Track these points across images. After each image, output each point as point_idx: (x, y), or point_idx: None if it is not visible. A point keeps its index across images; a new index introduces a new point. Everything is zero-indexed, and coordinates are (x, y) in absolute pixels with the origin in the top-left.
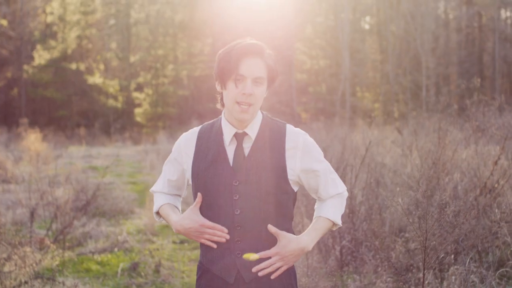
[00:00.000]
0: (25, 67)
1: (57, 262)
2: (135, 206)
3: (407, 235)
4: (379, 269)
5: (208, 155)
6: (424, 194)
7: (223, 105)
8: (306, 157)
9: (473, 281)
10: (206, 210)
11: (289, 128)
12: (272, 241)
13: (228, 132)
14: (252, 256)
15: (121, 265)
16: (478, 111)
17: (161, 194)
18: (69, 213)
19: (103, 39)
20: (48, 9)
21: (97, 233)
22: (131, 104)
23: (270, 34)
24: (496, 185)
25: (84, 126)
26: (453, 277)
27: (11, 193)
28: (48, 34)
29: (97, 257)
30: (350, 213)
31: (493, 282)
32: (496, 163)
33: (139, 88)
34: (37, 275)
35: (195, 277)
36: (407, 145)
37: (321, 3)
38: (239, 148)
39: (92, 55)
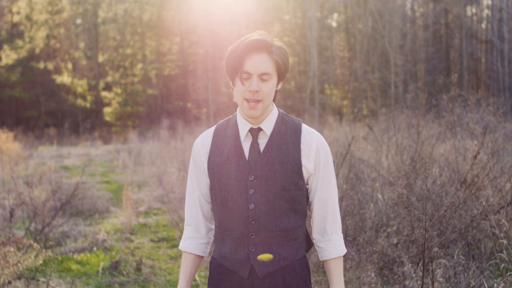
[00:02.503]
0: None
1: (40, 262)
2: (110, 205)
3: (389, 229)
4: (364, 263)
5: (224, 151)
6: (410, 187)
7: None
8: (319, 161)
9: (459, 274)
10: (220, 205)
11: (305, 126)
12: (285, 236)
13: (243, 127)
14: (266, 257)
15: (102, 264)
16: (454, 106)
17: (190, 243)
18: (47, 213)
19: (71, 39)
20: (14, 9)
21: (75, 233)
22: (100, 104)
23: (237, 33)
24: (476, 179)
25: (53, 126)
26: (438, 270)
27: None
28: (15, 33)
29: (77, 256)
30: None
31: (481, 275)
32: (475, 157)
33: (108, 87)
34: (20, 275)
35: (176, 275)
36: (383, 141)
37: (288, 1)
38: (254, 144)
39: (60, 54)
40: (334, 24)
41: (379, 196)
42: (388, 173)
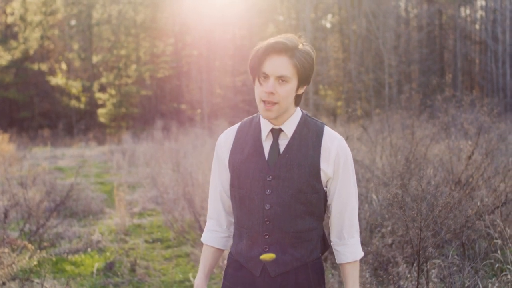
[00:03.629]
0: None
1: (35, 263)
2: (105, 206)
3: (383, 230)
4: (359, 263)
5: (245, 149)
6: (405, 188)
7: None
8: (338, 165)
9: (454, 274)
10: (238, 203)
11: (327, 129)
12: (299, 237)
13: (265, 127)
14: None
15: (96, 265)
16: (448, 107)
17: (211, 236)
18: (41, 214)
19: (65, 40)
20: (8, 10)
21: (70, 234)
22: (94, 105)
23: (232, 34)
24: (470, 180)
25: (47, 127)
26: (433, 270)
27: None
28: (9, 34)
29: (71, 257)
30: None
31: (476, 275)
32: (470, 157)
33: (102, 88)
34: (14, 276)
35: (171, 276)
36: (377, 142)
37: (282, 2)
38: (274, 144)
39: (54, 55)
40: (328, 25)
41: (374, 196)
42: (382, 173)
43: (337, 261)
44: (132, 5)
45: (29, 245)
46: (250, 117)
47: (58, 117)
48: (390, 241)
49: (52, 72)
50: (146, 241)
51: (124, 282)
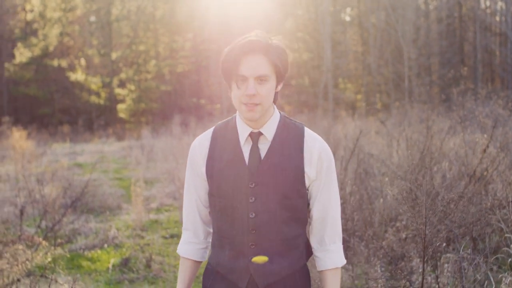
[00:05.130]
0: (6, 65)
1: (49, 259)
2: (122, 202)
3: (398, 224)
4: (372, 258)
5: (223, 155)
6: (419, 183)
7: None
8: (320, 168)
9: (465, 268)
10: (219, 212)
11: (307, 130)
12: (286, 245)
13: (243, 131)
14: (261, 259)
15: (112, 260)
16: (464, 100)
17: (188, 248)
18: (57, 210)
19: (85, 36)
20: (28, 7)
21: (86, 230)
22: (113, 100)
23: (250, 29)
24: (485, 173)
25: (67, 123)
26: (446, 265)
27: None
28: (28, 31)
29: (88, 253)
30: (342, 203)
31: (487, 269)
32: (484, 151)
33: (122, 84)
34: (29, 273)
35: None
36: (393, 135)
37: None
38: (254, 149)
39: (74, 52)
40: (347, 19)
41: (389, 191)
42: (398, 167)
43: (318, 268)
44: (151, 1)
45: (43, 242)
46: (225, 120)
47: (78, 113)
48: (404, 236)
49: (72, 68)
50: (162, 237)
51: (139, 277)
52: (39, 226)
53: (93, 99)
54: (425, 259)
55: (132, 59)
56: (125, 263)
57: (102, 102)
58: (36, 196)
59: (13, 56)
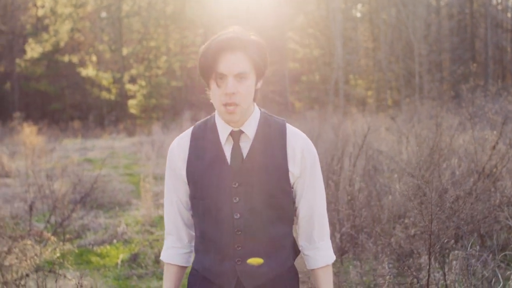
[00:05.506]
0: (18, 60)
1: (58, 255)
2: (132, 198)
3: (406, 221)
4: (380, 255)
5: (204, 156)
6: (424, 180)
7: None
8: (305, 164)
9: (473, 265)
10: (202, 215)
11: (289, 127)
12: (273, 246)
13: (223, 130)
14: (256, 261)
15: (121, 256)
16: (474, 96)
17: (173, 253)
18: (67, 206)
19: (95, 32)
20: (39, 2)
21: (96, 225)
22: (124, 96)
23: (262, 24)
24: (494, 170)
25: (78, 119)
26: (454, 262)
27: (8, 187)
28: (39, 27)
29: (97, 249)
30: (350, 200)
31: (495, 266)
32: (494, 147)
33: (132, 80)
34: (38, 268)
35: None
36: (402, 132)
37: None
38: (236, 147)
39: (85, 47)
40: (358, 15)
41: (397, 187)
42: (407, 164)
43: (308, 267)
44: None
45: (52, 237)
46: (203, 120)
47: (89, 109)
48: (412, 232)
49: (83, 64)
50: None
51: (148, 273)
52: (48, 222)
53: (104, 94)
54: (432, 256)
55: (143, 55)
56: (134, 259)
57: (113, 97)
58: (46, 192)
59: (24, 51)
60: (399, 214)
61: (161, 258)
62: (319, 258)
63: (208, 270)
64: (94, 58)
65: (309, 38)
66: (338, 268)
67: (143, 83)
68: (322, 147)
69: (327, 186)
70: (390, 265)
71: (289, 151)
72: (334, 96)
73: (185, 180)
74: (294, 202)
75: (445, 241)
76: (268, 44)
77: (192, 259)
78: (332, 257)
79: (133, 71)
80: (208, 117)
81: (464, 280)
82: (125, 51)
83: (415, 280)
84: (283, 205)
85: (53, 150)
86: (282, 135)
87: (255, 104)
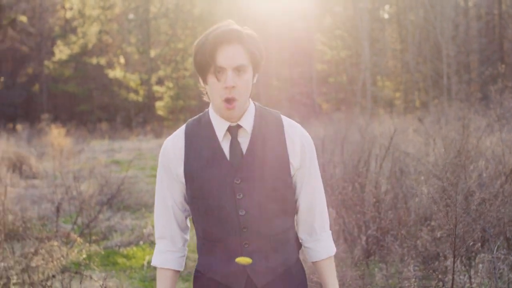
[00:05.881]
0: (46, 62)
1: (83, 256)
2: None
3: (433, 223)
4: (406, 257)
5: (202, 154)
6: (450, 182)
7: (209, 96)
8: (304, 155)
9: (500, 269)
10: (204, 215)
11: (285, 118)
12: (279, 240)
13: (219, 126)
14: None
15: (147, 257)
16: (502, 98)
17: (167, 258)
18: (94, 207)
19: (123, 34)
20: (67, 5)
21: (122, 227)
22: (152, 98)
23: (290, 26)
24: None
25: (106, 120)
26: (481, 265)
27: (36, 188)
28: (68, 29)
29: (123, 250)
30: (376, 202)
31: None
32: None
33: (160, 81)
34: (64, 269)
35: None
36: (429, 134)
37: None
38: (234, 143)
39: (112, 49)
40: (386, 16)
41: (424, 189)
42: (434, 166)
43: (310, 259)
44: None
45: (78, 239)
46: (196, 117)
47: (117, 110)
48: (438, 235)
49: (111, 66)
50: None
51: None
52: (75, 223)
53: (132, 96)
54: (457, 259)
55: (170, 57)
56: None
57: (140, 99)
58: (73, 193)
59: (52, 53)
60: (425, 217)
61: (153, 263)
62: (321, 250)
63: (215, 271)
64: (122, 60)
65: (336, 40)
66: (363, 270)
67: (171, 84)
68: (348, 149)
69: (352, 188)
70: (416, 268)
71: (288, 142)
72: (362, 97)
73: (182, 180)
74: (294, 194)
75: (471, 244)
76: (295, 46)
77: (184, 263)
78: (334, 248)
79: (161, 73)
80: (201, 114)
81: (490, 283)
82: (152, 53)
83: (440, 283)
84: (285, 197)
85: (81, 151)
86: (279, 127)
87: (249, 98)
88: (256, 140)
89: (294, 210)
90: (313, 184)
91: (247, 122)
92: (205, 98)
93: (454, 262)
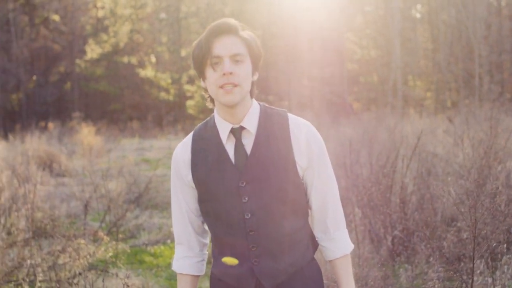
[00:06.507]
0: (78, 61)
1: (110, 254)
2: None
3: (459, 224)
4: (431, 258)
5: (207, 158)
6: (475, 183)
7: (212, 101)
8: (311, 154)
9: None
10: (213, 219)
11: (292, 117)
12: (288, 241)
13: (223, 128)
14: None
15: (174, 256)
16: None
17: (185, 263)
18: (121, 205)
19: (154, 33)
20: (99, 4)
21: (150, 225)
22: (182, 97)
23: (320, 25)
24: None
25: (137, 119)
26: (506, 266)
27: (65, 186)
28: (99, 28)
29: (150, 248)
30: (401, 203)
31: None
32: None
33: (191, 80)
34: (91, 267)
35: None
36: (458, 134)
37: None
38: (239, 145)
39: (143, 48)
40: (417, 15)
41: (451, 190)
42: (461, 167)
43: (326, 258)
44: None
45: (105, 237)
46: (204, 121)
47: (148, 109)
48: (465, 236)
49: (142, 65)
50: None
51: None
52: (102, 221)
53: (163, 95)
54: (476, 260)
55: None
56: None
57: (171, 98)
58: (101, 191)
59: (84, 52)
60: (452, 218)
61: (173, 268)
62: (336, 249)
63: (226, 273)
64: (153, 59)
65: (366, 39)
66: (385, 271)
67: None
68: (376, 149)
69: (378, 188)
70: (441, 269)
71: (294, 142)
72: (393, 97)
73: (192, 185)
74: (306, 194)
75: (495, 245)
76: (326, 45)
77: (204, 267)
78: (350, 246)
79: (192, 72)
80: (208, 118)
81: None
82: (183, 52)
83: (464, 284)
84: (294, 198)
85: (111, 150)
86: (285, 126)
87: (253, 98)
88: (260, 141)
89: (306, 210)
90: (324, 183)
91: (251, 123)
92: (207, 104)
93: (473, 263)
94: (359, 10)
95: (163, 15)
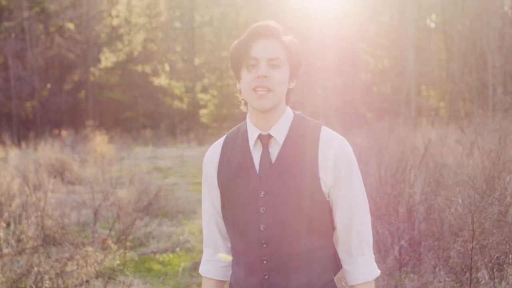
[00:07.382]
0: (92, 69)
1: (118, 262)
2: (197, 207)
3: (466, 234)
4: (437, 269)
5: (233, 163)
6: (481, 193)
7: (246, 105)
8: (338, 172)
9: None
10: (231, 225)
11: (325, 130)
12: (304, 259)
13: (252, 134)
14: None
15: (182, 264)
16: None
17: (210, 267)
18: (131, 213)
19: (168, 42)
20: (114, 12)
21: (159, 233)
22: (196, 106)
23: (333, 35)
24: None
25: (150, 128)
26: (511, 277)
27: (76, 194)
28: (114, 37)
29: (159, 256)
30: (409, 213)
31: None
32: None
33: (204, 89)
34: (99, 275)
35: None
36: (467, 144)
37: (385, 2)
38: (265, 153)
39: (157, 57)
40: (432, 25)
41: (459, 200)
42: (469, 177)
43: (348, 282)
44: (234, 7)
45: (113, 245)
46: (237, 126)
47: (161, 118)
48: (471, 246)
49: (156, 74)
50: None
51: None
52: (111, 229)
53: (176, 104)
54: (486, 270)
55: (215, 65)
56: (195, 267)
57: (185, 107)
58: (111, 199)
59: (98, 61)
60: (459, 227)
61: (199, 271)
62: (358, 274)
63: (238, 283)
64: (167, 67)
65: (380, 49)
66: (387, 281)
67: (215, 92)
68: (386, 159)
69: (386, 199)
70: (447, 279)
71: (321, 157)
72: (406, 107)
73: (218, 188)
74: (331, 212)
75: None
76: (340, 55)
77: (230, 272)
78: (375, 273)
79: (205, 81)
80: (242, 123)
81: None
82: (197, 61)
83: None
84: (313, 216)
85: (124, 158)
86: (315, 140)
87: (287, 106)
88: (286, 151)
89: (329, 230)
90: (350, 203)
91: (279, 132)
92: (241, 108)
93: (471, 274)
94: (372, 20)
95: (177, 24)
